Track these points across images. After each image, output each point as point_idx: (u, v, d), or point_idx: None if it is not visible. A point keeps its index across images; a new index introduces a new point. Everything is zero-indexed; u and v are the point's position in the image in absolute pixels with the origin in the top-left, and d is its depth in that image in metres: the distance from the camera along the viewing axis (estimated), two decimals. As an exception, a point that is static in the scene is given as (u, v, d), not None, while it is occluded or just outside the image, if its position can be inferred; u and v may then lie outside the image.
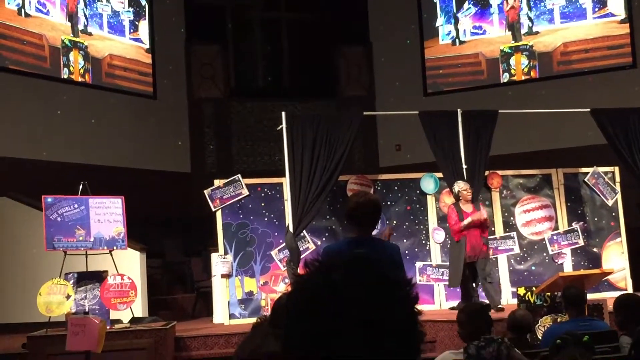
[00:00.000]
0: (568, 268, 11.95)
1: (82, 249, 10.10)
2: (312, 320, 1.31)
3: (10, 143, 13.64)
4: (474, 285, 10.81)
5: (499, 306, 10.37)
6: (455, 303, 11.26)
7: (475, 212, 10.71)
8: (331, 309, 1.31)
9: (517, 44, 17.74)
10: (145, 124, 16.56)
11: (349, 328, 1.29)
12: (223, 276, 11.09)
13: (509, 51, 17.85)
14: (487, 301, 10.29)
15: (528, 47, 17.68)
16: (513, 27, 17.84)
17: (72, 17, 15.61)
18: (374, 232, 11.32)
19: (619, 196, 12.45)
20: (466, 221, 10.55)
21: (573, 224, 12.21)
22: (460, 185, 10.83)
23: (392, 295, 1.35)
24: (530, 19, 17.67)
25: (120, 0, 16.81)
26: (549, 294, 8.95)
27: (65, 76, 15.37)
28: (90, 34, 16.02)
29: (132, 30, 17.06)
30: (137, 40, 17.17)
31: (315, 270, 1.38)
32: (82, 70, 15.72)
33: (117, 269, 10.00)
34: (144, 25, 17.31)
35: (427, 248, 11.79)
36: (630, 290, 12.06)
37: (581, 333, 5.62)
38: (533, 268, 12.07)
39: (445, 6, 18.45)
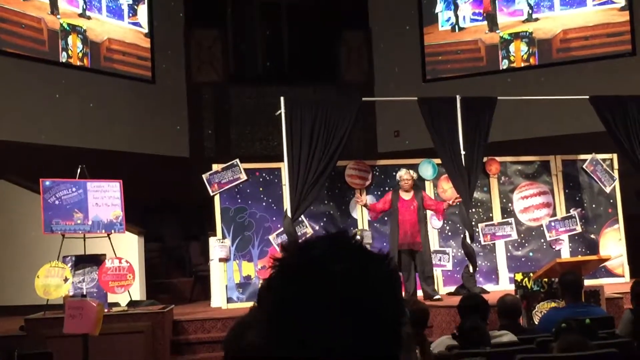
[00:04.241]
0: (565, 254, 11.97)
1: (80, 232, 10.11)
2: (295, 298, 1.31)
3: (8, 126, 13.62)
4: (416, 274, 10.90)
5: (435, 297, 10.60)
6: (452, 288, 11.30)
7: (411, 201, 10.85)
8: (314, 284, 1.31)
9: (516, 30, 17.71)
10: (144, 109, 16.53)
11: (332, 303, 1.29)
12: (221, 260, 11.11)
13: (509, 38, 17.82)
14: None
15: (527, 34, 17.65)
16: (489, 16, 17.88)
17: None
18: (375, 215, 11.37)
19: (616, 183, 12.46)
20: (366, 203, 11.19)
21: (571, 210, 12.23)
22: (401, 174, 10.95)
23: (372, 268, 1.35)
24: (530, 5, 17.63)
25: (119, -17, 16.77)
26: (546, 280, 8.97)
27: (64, 60, 15.33)
28: (89, 18, 15.97)
29: (131, 15, 17.01)
30: (136, 24, 17.12)
31: (294, 249, 1.39)
32: (80, 54, 15.68)
33: (115, 253, 10.01)
34: (142, 10, 17.25)
35: (425, 234, 11.80)
36: (627, 277, 12.10)
37: (582, 318, 5.67)
38: (531, 254, 12.09)
39: (445, -8, 18.42)
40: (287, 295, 1.33)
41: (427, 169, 11.87)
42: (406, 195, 10.89)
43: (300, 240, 1.42)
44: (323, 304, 1.29)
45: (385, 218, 11.62)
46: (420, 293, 10.72)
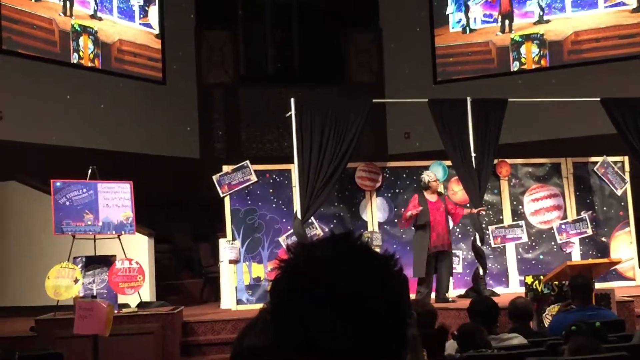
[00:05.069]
0: (576, 257, 11.93)
1: (91, 233, 10.12)
2: (299, 299, 1.31)
3: (19, 127, 13.66)
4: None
5: (448, 299, 10.66)
6: (462, 291, 11.27)
7: (438, 203, 10.78)
8: (317, 285, 1.30)
9: (527, 32, 17.68)
10: (155, 110, 16.56)
11: (336, 304, 1.29)
12: (231, 262, 11.11)
13: (520, 40, 17.78)
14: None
15: (539, 35, 17.61)
16: (505, 17, 17.84)
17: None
18: (385, 217, 11.36)
19: (628, 186, 12.41)
20: (409, 213, 10.63)
21: (582, 213, 12.18)
22: (430, 176, 10.88)
23: (377, 269, 1.35)
24: (541, 7, 17.59)
25: (131, -15, 16.81)
26: (556, 282, 8.95)
27: (75, 61, 15.38)
28: (100, 19, 16.01)
29: (142, 16, 17.05)
30: (147, 25, 17.16)
31: (298, 251, 1.38)
32: (91, 55, 15.73)
33: (125, 254, 10.02)
34: (153, 11, 17.29)
35: (435, 236, 11.77)
36: (638, 280, 12.05)
37: (592, 321, 5.65)
38: (541, 257, 12.05)
39: (456, -6, 18.40)
40: (291, 296, 1.33)
41: (437, 171, 11.82)
42: (432, 197, 10.84)
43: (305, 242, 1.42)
44: (327, 305, 1.29)
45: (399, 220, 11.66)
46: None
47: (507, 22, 17.88)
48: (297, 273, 1.35)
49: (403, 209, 11.11)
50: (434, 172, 11.64)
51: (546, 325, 8.38)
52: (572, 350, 5.06)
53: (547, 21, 17.55)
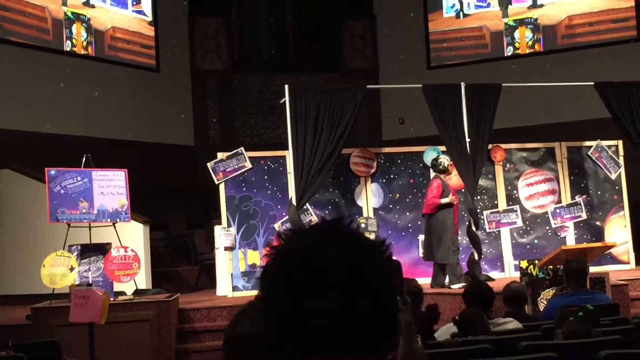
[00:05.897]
0: (571, 241, 11.95)
1: (86, 221, 10.12)
2: (288, 285, 1.32)
3: (13, 115, 13.63)
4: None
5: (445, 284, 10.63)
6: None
7: (453, 187, 10.87)
8: (306, 272, 1.31)
9: (521, 16, 17.65)
10: (148, 97, 16.53)
11: (323, 291, 1.29)
12: (226, 249, 11.12)
13: (513, 24, 17.76)
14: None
15: (532, 20, 17.59)
16: (503, 2, 17.82)
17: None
18: (380, 203, 11.36)
19: (622, 170, 12.43)
20: (444, 200, 10.57)
21: (576, 197, 12.21)
22: (448, 160, 10.90)
23: (365, 255, 1.35)
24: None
25: (123, -28, 16.74)
26: (551, 267, 8.98)
27: (68, 48, 15.33)
28: (92, 6, 15.96)
29: (135, 3, 16.99)
30: (140, 12, 17.11)
31: (289, 238, 1.39)
32: (84, 43, 15.68)
33: (120, 242, 10.02)
34: (146, -2, 17.24)
35: (430, 221, 11.77)
36: (632, 264, 12.08)
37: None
38: (536, 241, 12.08)
39: (449, -21, 18.37)
40: (281, 282, 1.33)
41: (432, 156, 11.83)
42: (449, 181, 10.90)
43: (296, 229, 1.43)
44: (313, 292, 1.29)
45: (398, 207, 11.64)
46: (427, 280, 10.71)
47: (503, 7, 17.84)
48: (286, 260, 1.35)
49: (428, 194, 10.85)
50: (429, 157, 11.67)
51: (541, 310, 8.41)
52: (566, 335, 5.08)
53: (541, 5, 17.53)
